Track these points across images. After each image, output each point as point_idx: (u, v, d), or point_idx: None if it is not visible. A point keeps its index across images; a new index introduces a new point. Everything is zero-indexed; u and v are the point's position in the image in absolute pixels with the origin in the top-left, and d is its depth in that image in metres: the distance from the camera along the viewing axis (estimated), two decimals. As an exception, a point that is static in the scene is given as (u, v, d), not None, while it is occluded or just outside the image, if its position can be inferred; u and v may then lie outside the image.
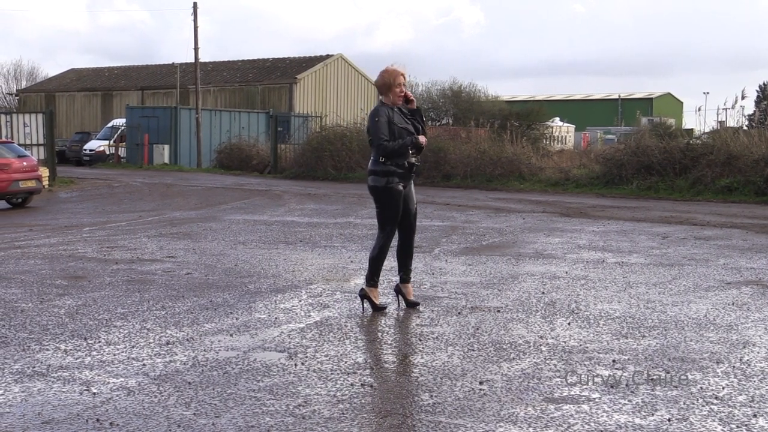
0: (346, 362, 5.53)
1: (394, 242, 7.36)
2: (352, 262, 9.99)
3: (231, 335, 6.27)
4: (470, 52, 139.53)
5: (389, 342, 6.09)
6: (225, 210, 17.26)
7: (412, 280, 7.50)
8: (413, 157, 7.21)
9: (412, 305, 7.30)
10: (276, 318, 6.88)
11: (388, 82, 7.21)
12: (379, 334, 6.34)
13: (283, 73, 49.60)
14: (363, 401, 4.70)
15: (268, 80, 49.23)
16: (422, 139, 7.19)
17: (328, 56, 50.74)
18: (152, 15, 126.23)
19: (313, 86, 49.10)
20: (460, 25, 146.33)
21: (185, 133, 38.87)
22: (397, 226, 7.31)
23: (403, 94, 7.23)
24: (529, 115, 44.13)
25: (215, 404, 4.63)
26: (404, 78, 7.25)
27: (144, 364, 5.44)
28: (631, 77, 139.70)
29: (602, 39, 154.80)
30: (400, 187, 7.19)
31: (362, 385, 5.01)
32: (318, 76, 49.52)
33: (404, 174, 7.20)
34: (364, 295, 7.24)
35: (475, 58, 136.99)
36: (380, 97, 7.31)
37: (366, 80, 51.32)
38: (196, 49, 39.65)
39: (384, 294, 7.71)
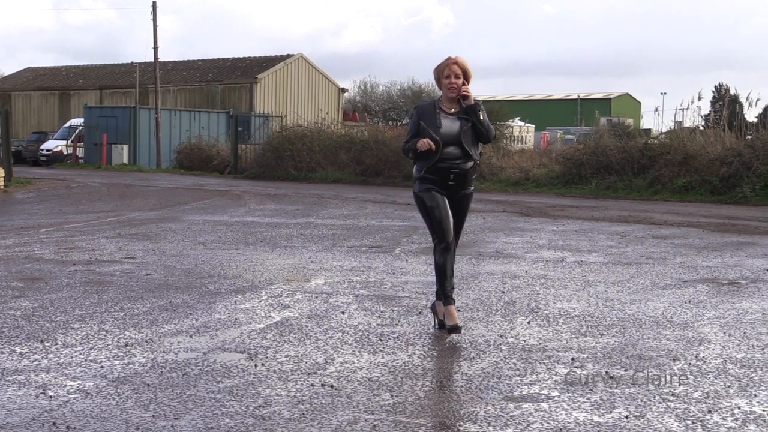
0: (306, 363, 5.52)
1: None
2: (312, 262, 9.98)
3: (191, 336, 6.23)
4: (439, 52, 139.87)
5: (350, 342, 6.09)
6: (185, 210, 17.15)
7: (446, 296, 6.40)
8: (455, 163, 6.26)
9: (443, 327, 6.33)
10: (236, 319, 6.85)
11: (437, 74, 6.38)
12: (340, 334, 6.33)
13: (243, 72, 49.37)
14: (323, 401, 4.70)
15: (229, 80, 48.97)
16: (421, 143, 6.17)
17: (288, 56, 50.58)
18: (118, 14, 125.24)
19: (274, 86, 48.93)
20: (430, 25, 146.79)
21: (144, 133, 38.57)
22: (448, 235, 6.31)
23: (453, 87, 6.27)
24: (489, 115, 44.21)
25: (174, 406, 4.59)
26: (459, 68, 6.28)
27: (102, 367, 5.39)
28: (594, 78, 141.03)
29: (569, 40, 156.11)
30: (434, 191, 6.31)
31: (322, 385, 5.00)
32: (279, 75, 49.35)
33: (437, 182, 6.30)
34: (434, 310, 6.54)
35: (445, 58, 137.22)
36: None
37: (327, 80, 51.28)
38: (155, 48, 39.39)
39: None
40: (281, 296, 7.84)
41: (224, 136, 36.96)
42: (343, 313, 7.11)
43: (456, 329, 6.21)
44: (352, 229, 13.63)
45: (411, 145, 6.30)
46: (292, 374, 5.24)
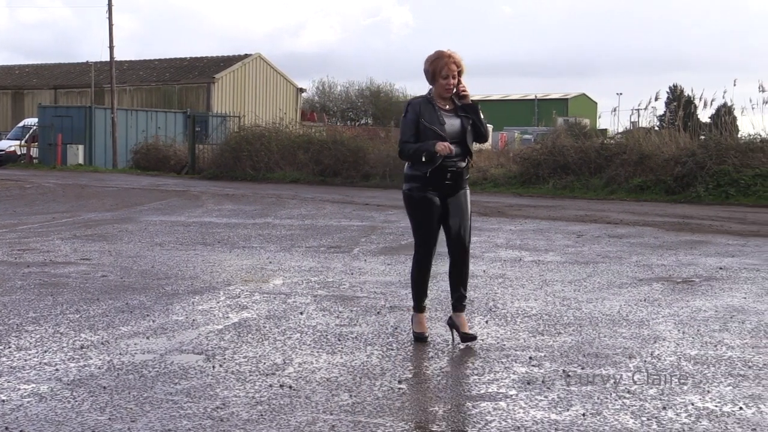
0: (264, 363, 5.50)
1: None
2: (270, 262, 9.94)
3: (147, 338, 6.18)
4: (398, 52, 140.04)
5: (308, 342, 6.08)
6: (141, 211, 17.00)
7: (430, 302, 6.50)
8: (453, 162, 5.97)
9: (466, 339, 6.04)
10: (194, 320, 6.80)
11: (431, 70, 5.99)
12: (299, 334, 6.32)
13: (200, 72, 49.05)
14: (281, 402, 4.68)
15: (186, 80, 48.64)
16: (441, 146, 5.83)
17: (246, 56, 50.34)
18: (73, 12, 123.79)
19: (232, 86, 48.67)
20: (389, 25, 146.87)
21: (100, 133, 38.14)
22: (430, 242, 6.14)
23: (450, 86, 5.97)
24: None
25: (131, 408, 4.55)
26: (457, 66, 5.95)
27: (57, 369, 5.32)
28: (552, 78, 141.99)
29: (527, 41, 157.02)
30: (428, 196, 6.03)
31: (281, 386, 4.99)
32: (236, 75, 49.10)
33: (431, 181, 6.00)
34: (451, 325, 6.18)
35: (403, 59, 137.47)
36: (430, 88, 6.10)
37: (285, 80, 51.12)
38: (111, 47, 39.00)
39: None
40: (239, 297, 7.80)
41: (181, 136, 36.71)
42: (301, 313, 7.10)
43: (423, 338, 6.12)
44: (311, 229, 13.60)
45: (425, 147, 5.88)
46: (250, 375, 5.21)
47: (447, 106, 6.05)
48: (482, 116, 6.12)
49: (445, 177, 6.00)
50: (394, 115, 39.11)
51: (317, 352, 5.83)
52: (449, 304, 7.53)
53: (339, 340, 6.18)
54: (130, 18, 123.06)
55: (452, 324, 6.14)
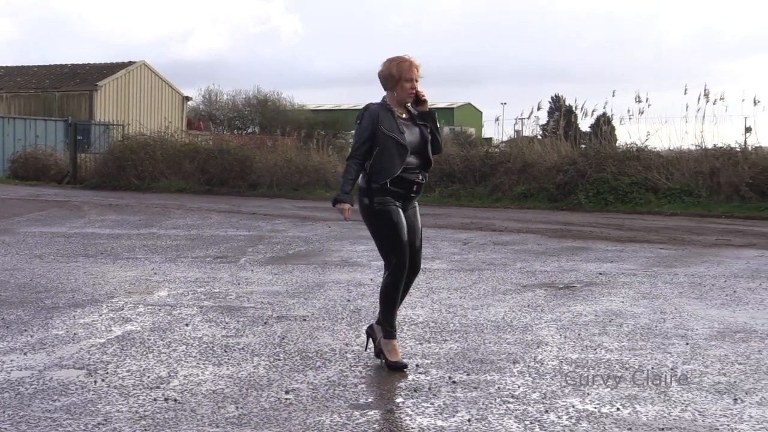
0: (149, 377, 5.39)
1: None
2: (155, 273, 9.76)
3: (25, 354, 5.98)
4: (288, 60, 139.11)
5: (194, 354, 5.99)
6: (19, 222, 16.44)
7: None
8: (416, 174, 5.68)
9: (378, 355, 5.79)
10: (75, 334, 6.62)
11: (395, 74, 5.65)
12: (184, 346, 6.22)
13: (82, 79, 47.80)
14: (166, 416, 4.60)
15: (67, 87, 47.31)
16: (344, 209, 5.63)
17: (130, 63, 49.31)
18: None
19: (115, 94, 47.58)
20: (278, 33, 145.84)
21: (-25, 142, 36.76)
22: (407, 256, 5.67)
23: (413, 91, 5.68)
24: (335, 124, 44.69)
25: (6, 428, 4.40)
26: (418, 72, 5.68)
27: (-72, 388, 5.10)
28: (439, 87, 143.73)
29: (415, 50, 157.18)
30: (397, 206, 5.66)
31: (165, 399, 4.90)
32: (120, 83, 48.03)
33: (396, 193, 5.65)
34: (370, 335, 5.90)
35: (293, 67, 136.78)
36: (384, 95, 5.79)
37: (171, 88, 50.29)
38: (-14, 53, 37.68)
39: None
40: (123, 309, 7.63)
41: (62, 145, 35.67)
42: (187, 325, 6.99)
43: (403, 366, 5.63)
44: (197, 239, 13.42)
45: (341, 191, 5.63)
46: (133, 389, 5.11)
47: (404, 115, 5.74)
48: (439, 124, 5.89)
49: (412, 189, 5.69)
50: (280, 123, 38.94)
51: (203, 364, 5.75)
52: (338, 311, 7.53)
53: (225, 351, 6.11)
54: (9, 22, 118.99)
55: (371, 335, 5.89)
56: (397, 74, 5.64)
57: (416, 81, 5.67)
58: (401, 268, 5.65)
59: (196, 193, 25.91)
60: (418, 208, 5.85)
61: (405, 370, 5.59)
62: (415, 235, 5.75)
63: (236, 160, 26.80)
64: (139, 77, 49.20)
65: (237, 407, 4.78)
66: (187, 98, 52.56)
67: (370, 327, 5.94)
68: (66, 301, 7.99)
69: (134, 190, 26.94)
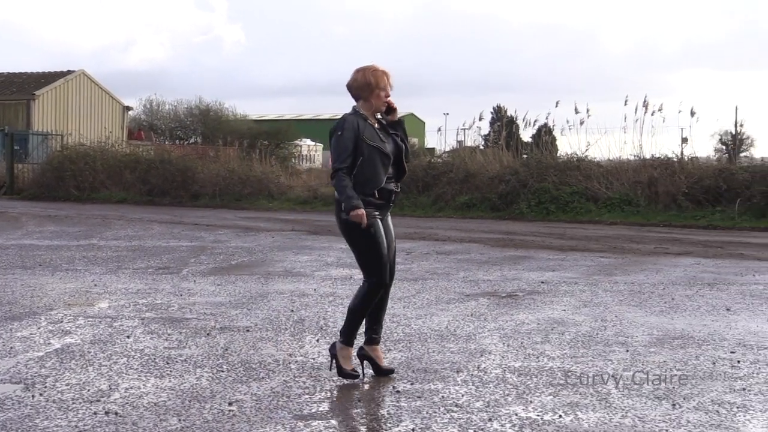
0: (89, 390, 5.31)
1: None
2: (96, 285, 9.62)
3: (-39, 368, 5.85)
4: (230, 70, 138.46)
5: (136, 367, 5.91)
6: (-45, 234, 16.09)
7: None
8: (392, 183, 5.60)
9: (385, 373, 5.71)
10: (11, 347, 6.49)
11: (370, 83, 5.55)
12: (125, 359, 6.14)
13: (19, 88, 46.97)
14: (107, 430, 4.53)
15: (3, 96, 46.44)
16: (358, 216, 5.34)
17: (69, 72, 48.62)
18: None
19: (54, 103, 46.84)
20: (221, 43, 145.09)
21: None
22: (386, 267, 5.58)
23: (387, 100, 5.62)
24: (277, 134, 44.56)
25: (-58, 443, 4.30)
26: (390, 80, 5.62)
27: None
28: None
29: (359, 60, 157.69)
30: (377, 217, 5.53)
31: (106, 413, 4.83)
32: (59, 92, 47.30)
33: (377, 204, 5.52)
34: (363, 355, 5.74)
35: (236, 77, 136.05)
36: (355, 105, 5.68)
37: (111, 98, 49.68)
38: None
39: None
40: (62, 322, 7.51)
41: (-1, 155, 35.03)
42: (128, 337, 6.90)
43: (355, 376, 5.58)
44: (138, 250, 13.26)
45: (351, 203, 5.36)
46: (73, 403, 5.02)
47: (376, 125, 5.63)
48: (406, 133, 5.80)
49: (390, 199, 5.60)
50: (223, 133, 38.68)
51: (145, 376, 5.68)
52: (281, 322, 7.50)
53: (167, 363, 6.04)
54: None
55: (366, 356, 5.73)
56: (374, 83, 5.54)
57: (390, 89, 5.62)
58: (380, 287, 5.59)
59: (138, 203, 25.63)
60: (390, 217, 5.75)
61: (356, 380, 5.56)
62: (391, 246, 5.67)
63: (178, 170, 26.59)
64: (78, 87, 48.51)
65: (179, 420, 4.73)
66: (128, 108, 51.97)
67: (333, 345, 5.74)
68: (2, 315, 7.84)
69: (74, 200, 26.56)
